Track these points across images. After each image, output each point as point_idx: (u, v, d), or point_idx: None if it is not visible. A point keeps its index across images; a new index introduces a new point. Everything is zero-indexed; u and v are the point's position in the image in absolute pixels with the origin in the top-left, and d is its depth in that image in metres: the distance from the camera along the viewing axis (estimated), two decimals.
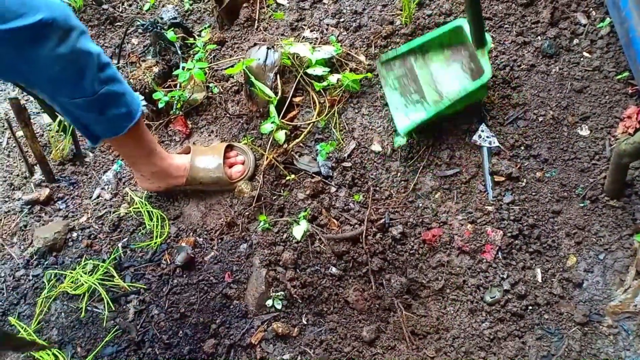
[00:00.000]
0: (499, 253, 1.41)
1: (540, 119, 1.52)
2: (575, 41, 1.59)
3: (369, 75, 1.67)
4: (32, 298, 1.58)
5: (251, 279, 1.49)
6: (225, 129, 1.76)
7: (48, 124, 1.89)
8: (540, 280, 1.37)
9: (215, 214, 1.62)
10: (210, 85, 1.81)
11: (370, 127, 1.63)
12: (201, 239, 1.59)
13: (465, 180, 1.51)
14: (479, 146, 1.53)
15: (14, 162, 1.89)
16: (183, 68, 1.73)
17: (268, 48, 1.66)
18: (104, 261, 1.59)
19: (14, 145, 1.91)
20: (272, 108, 1.60)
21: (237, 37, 1.89)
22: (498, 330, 1.34)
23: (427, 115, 1.48)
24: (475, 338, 1.35)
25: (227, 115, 1.76)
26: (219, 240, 1.58)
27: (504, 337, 1.33)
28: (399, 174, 1.56)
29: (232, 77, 1.80)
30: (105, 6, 2.10)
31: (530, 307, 1.35)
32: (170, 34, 1.83)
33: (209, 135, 1.77)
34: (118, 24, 2.10)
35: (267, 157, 1.62)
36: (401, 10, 1.74)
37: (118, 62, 1.95)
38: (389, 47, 1.71)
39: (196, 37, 1.93)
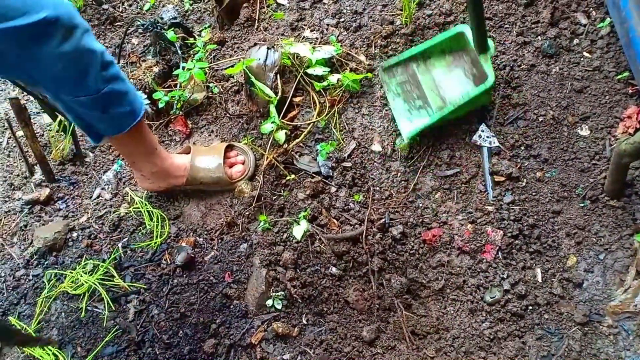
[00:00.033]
0: (499, 253, 1.41)
1: (541, 119, 1.52)
2: (576, 41, 1.59)
3: (369, 75, 1.67)
4: (32, 298, 1.58)
5: (251, 279, 1.49)
6: (225, 129, 1.76)
7: (48, 123, 1.89)
8: (540, 280, 1.37)
9: (216, 214, 1.62)
10: (211, 85, 1.81)
11: (370, 127, 1.63)
12: (201, 239, 1.59)
13: (465, 180, 1.51)
14: (479, 146, 1.53)
15: (14, 162, 1.89)
16: (183, 68, 1.73)
17: (268, 48, 1.66)
18: (104, 261, 1.59)
19: (14, 145, 1.91)
20: (272, 108, 1.60)
21: (237, 37, 1.89)
22: (498, 330, 1.34)
23: (431, 121, 1.49)
24: (476, 338, 1.35)
25: (227, 115, 1.76)
26: (219, 240, 1.58)
27: (504, 337, 1.33)
28: (399, 174, 1.56)
29: (232, 77, 1.80)
30: (105, 6, 2.10)
31: (530, 307, 1.35)
32: (170, 34, 1.83)
33: (209, 135, 1.77)
34: (118, 23, 2.10)
35: (267, 157, 1.62)
36: (401, 10, 1.74)
37: (118, 62, 1.95)
38: (389, 47, 1.71)
39: (196, 37, 1.93)
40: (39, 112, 1.95)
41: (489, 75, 1.43)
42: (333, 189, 1.57)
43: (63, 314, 1.54)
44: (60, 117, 1.75)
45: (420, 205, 1.51)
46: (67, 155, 1.83)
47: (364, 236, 1.45)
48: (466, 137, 1.55)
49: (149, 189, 1.64)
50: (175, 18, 1.93)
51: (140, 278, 1.56)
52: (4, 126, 1.97)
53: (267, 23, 1.88)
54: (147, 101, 1.74)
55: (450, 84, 1.58)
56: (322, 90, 1.68)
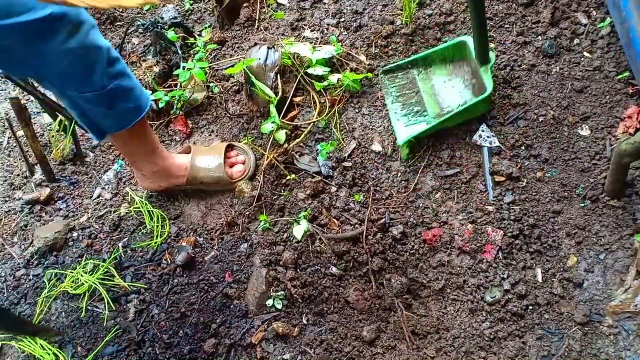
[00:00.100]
0: (500, 253, 1.41)
1: (541, 118, 1.52)
2: (576, 41, 1.59)
3: (370, 75, 1.67)
4: (32, 297, 1.58)
5: (251, 278, 1.49)
6: (225, 129, 1.76)
7: (48, 123, 1.89)
8: (540, 280, 1.37)
9: (216, 214, 1.62)
10: (211, 85, 1.81)
11: (370, 127, 1.63)
12: (201, 239, 1.59)
13: (465, 180, 1.51)
14: (479, 146, 1.53)
15: (15, 162, 1.89)
16: (183, 68, 1.74)
17: (268, 48, 1.66)
18: (104, 261, 1.59)
19: (14, 144, 1.91)
20: (272, 108, 1.60)
21: (237, 36, 1.89)
22: (498, 330, 1.34)
23: (427, 127, 1.50)
24: (476, 338, 1.35)
25: (228, 115, 1.77)
26: (220, 240, 1.58)
27: (504, 337, 1.33)
28: (399, 173, 1.56)
29: (233, 76, 1.80)
30: None
31: (530, 307, 1.35)
32: (170, 34, 1.83)
33: (210, 135, 1.77)
34: (118, 23, 2.10)
35: (267, 157, 1.62)
36: (402, 10, 1.74)
37: None
38: (390, 47, 1.71)
39: (197, 36, 1.93)
40: (40, 112, 1.95)
41: (487, 87, 1.45)
42: (333, 189, 1.57)
43: (63, 313, 1.54)
44: (60, 116, 1.75)
45: (421, 205, 1.51)
46: (67, 155, 1.83)
47: (364, 236, 1.45)
48: (466, 137, 1.55)
49: (149, 188, 1.64)
50: (175, 18, 1.93)
51: (140, 278, 1.56)
52: (4, 126, 1.98)
53: (268, 23, 1.88)
54: (153, 97, 1.73)
55: (449, 93, 1.59)
56: (322, 90, 1.68)
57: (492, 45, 1.63)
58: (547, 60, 1.59)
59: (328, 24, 1.81)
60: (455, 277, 1.42)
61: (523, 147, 1.50)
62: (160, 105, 1.75)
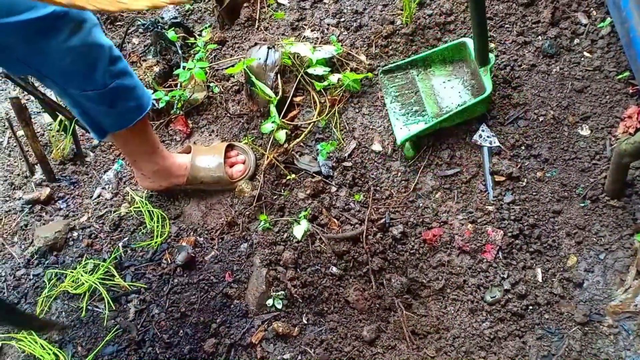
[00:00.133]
0: (500, 253, 1.41)
1: (541, 118, 1.52)
2: (576, 41, 1.59)
3: (370, 75, 1.67)
4: (32, 297, 1.58)
5: (252, 278, 1.49)
6: (225, 129, 1.76)
7: (49, 123, 1.89)
8: (540, 280, 1.37)
9: (216, 214, 1.62)
10: (211, 84, 1.81)
11: (370, 127, 1.63)
12: (202, 239, 1.59)
13: (465, 180, 1.51)
14: (479, 146, 1.53)
15: (15, 162, 1.89)
16: (184, 68, 1.74)
17: (269, 48, 1.66)
18: (104, 260, 1.59)
19: (14, 144, 1.91)
20: (272, 108, 1.60)
21: (237, 36, 1.89)
22: (498, 330, 1.34)
23: (426, 127, 1.50)
24: (476, 338, 1.35)
25: (228, 114, 1.77)
26: (220, 240, 1.58)
27: (504, 336, 1.33)
28: (399, 173, 1.56)
29: (233, 76, 1.80)
30: None
31: (530, 307, 1.35)
32: (171, 34, 1.83)
33: (210, 135, 1.77)
34: (119, 23, 2.10)
35: (267, 157, 1.62)
36: (402, 10, 1.74)
37: None
38: (390, 47, 1.71)
39: (197, 36, 1.93)
40: (40, 112, 1.95)
41: (487, 88, 1.45)
42: (333, 189, 1.57)
43: (63, 313, 1.54)
44: (60, 116, 1.75)
45: (421, 205, 1.51)
46: (67, 155, 1.83)
47: (364, 236, 1.45)
48: (466, 136, 1.55)
49: (150, 188, 1.64)
50: (175, 18, 1.93)
51: (140, 277, 1.56)
52: (4, 126, 1.98)
53: (268, 23, 1.88)
54: (154, 97, 1.74)
55: (449, 93, 1.59)
56: (322, 90, 1.68)
57: (492, 45, 1.63)
58: (547, 60, 1.59)
59: (328, 24, 1.81)
60: (456, 277, 1.42)
61: (523, 147, 1.50)
62: (161, 105, 1.76)
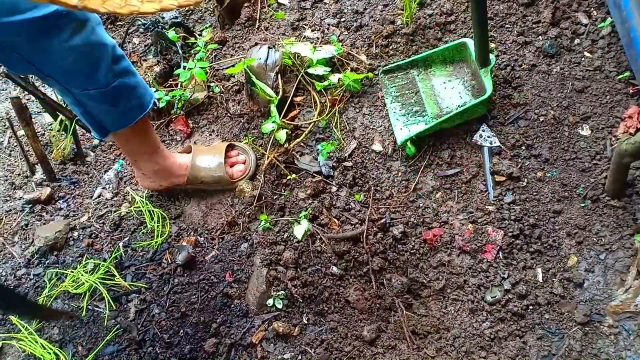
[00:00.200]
0: (500, 253, 1.41)
1: (541, 118, 1.52)
2: (577, 41, 1.59)
3: (370, 74, 1.67)
4: (33, 297, 1.58)
5: (252, 278, 1.49)
6: (226, 129, 1.76)
7: (49, 123, 1.89)
8: (541, 280, 1.37)
9: (216, 213, 1.62)
10: (212, 84, 1.81)
11: (371, 127, 1.63)
12: (202, 239, 1.59)
13: (466, 180, 1.51)
14: (479, 146, 1.53)
15: (15, 161, 1.89)
16: (184, 67, 1.74)
17: (269, 47, 1.66)
18: (105, 260, 1.59)
19: (15, 144, 1.92)
20: (273, 107, 1.60)
21: (238, 36, 1.89)
22: (499, 330, 1.34)
23: (426, 127, 1.50)
24: (476, 338, 1.35)
25: (228, 114, 1.77)
26: (220, 240, 1.58)
27: (504, 336, 1.33)
28: (399, 173, 1.56)
29: (233, 76, 1.80)
30: None
31: (531, 307, 1.35)
32: (171, 34, 1.83)
33: (210, 135, 1.78)
34: (119, 23, 2.10)
35: (268, 157, 1.62)
36: (402, 9, 1.74)
37: None
38: (390, 47, 1.71)
39: (197, 36, 1.93)
40: (40, 112, 1.95)
41: (487, 89, 1.45)
42: (334, 189, 1.57)
43: None
44: (61, 116, 1.75)
45: (421, 204, 1.51)
46: (68, 155, 1.83)
47: (364, 236, 1.45)
48: (467, 136, 1.55)
49: (150, 187, 1.64)
50: (176, 18, 1.93)
51: (141, 277, 1.56)
52: (5, 125, 1.98)
53: (268, 23, 1.89)
54: (156, 96, 1.74)
55: (449, 93, 1.59)
56: (323, 90, 1.68)
57: (492, 45, 1.63)
58: (547, 60, 1.59)
59: (329, 24, 1.81)
60: (456, 277, 1.42)
61: (523, 147, 1.50)
62: (161, 105, 1.76)
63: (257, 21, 1.89)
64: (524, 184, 1.46)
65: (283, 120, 1.62)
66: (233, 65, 1.67)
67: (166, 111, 1.82)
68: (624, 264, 1.32)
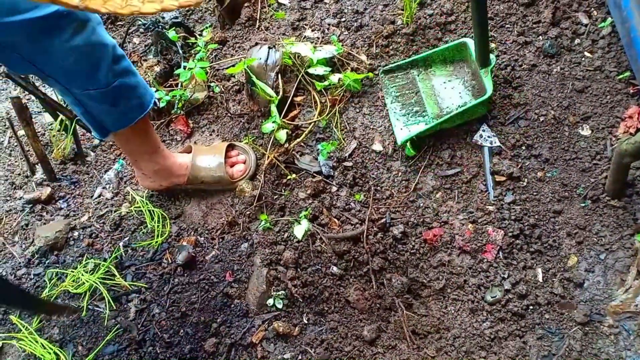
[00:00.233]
0: (500, 253, 1.41)
1: (542, 118, 1.52)
2: (577, 41, 1.59)
3: (370, 74, 1.67)
4: None
5: (252, 278, 1.49)
6: (226, 129, 1.76)
7: (49, 123, 1.89)
8: (541, 280, 1.37)
9: (217, 213, 1.62)
10: (212, 84, 1.81)
11: (371, 127, 1.63)
12: (202, 238, 1.59)
13: (466, 180, 1.51)
14: (480, 146, 1.53)
15: (16, 161, 1.89)
16: (184, 67, 1.74)
17: (269, 47, 1.66)
18: (105, 260, 1.59)
19: (15, 144, 1.92)
20: (273, 107, 1.60)
21: (238, 36, 1.89)
22: (499, 329, 1.34)
23: (426, 127, 1.51)
24: (476, 338, 1.35)
25: (229, 114, 1.77)
26: (220, 240, 1.58)
27: (504, 336, 1.33)
28: (400, 173, 1.56)
29: (234, 76, 1.80)
30: None
31: (531, 307, 1.35)
32: (171, 34, 1.83)
33: (210, 135, 1.78)
34: (119, 23, 2.10)
35: (268, 157, 1.62)
36: (402, 9, 1.74)
37: None
38: (391, 47, 1.71)
39: (197, 36, 1.93)
40: (41, 111, 1.95)
41: (487, 89, 1.45)
42: (334, 189, 1.57)
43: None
44: (61, 116, 1.75)
45: (421, 204, 1.51)
46: (68, 155, 1.83)
47: (364, 236, 1.45)
48: (467, 136, 1.55)
49: (150, 187, 1.64)
50: (176, 17, 1.93)
51: (141, 277, 1.56)
52: (5, 125, 1.98)
53: (268, 23, 1.89)
54: (158, 96, 1.74)
55: (449, 94, 1.59)
56: (323, 90, 1.68)
57: (492, 45, 1.63)
58: (547, 60, 1.59)
59: (329, 24, 1.81)
60: (456, 276, 1.42)
61: (524, 147, 1.50)
62: (162, 104, 1.76)
63: (258, 21, 1.90)
64: (524, 184, 1.46)
65: (283, 120, 1.62)
66: (233, 65, 1.67)
67: (166, 111, 1.82)
68: (624, 264, 1.32)
